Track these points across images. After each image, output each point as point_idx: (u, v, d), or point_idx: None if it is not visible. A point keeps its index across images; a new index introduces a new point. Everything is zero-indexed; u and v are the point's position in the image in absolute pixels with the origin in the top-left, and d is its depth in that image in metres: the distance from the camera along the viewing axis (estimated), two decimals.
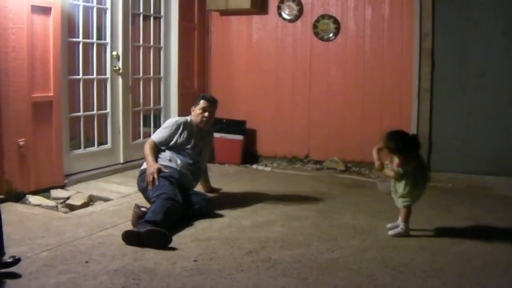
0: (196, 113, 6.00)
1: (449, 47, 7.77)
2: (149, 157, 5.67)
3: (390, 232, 5.09)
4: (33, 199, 5.90)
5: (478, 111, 7.70)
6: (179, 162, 5.78)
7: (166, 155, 5.81)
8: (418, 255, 4.59)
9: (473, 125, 7.73)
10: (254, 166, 8.42)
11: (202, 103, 5.99)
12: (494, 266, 4.39)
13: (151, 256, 4.39)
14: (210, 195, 6.21)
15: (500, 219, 5.75)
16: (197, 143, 5.95)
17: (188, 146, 5.88)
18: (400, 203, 5.11)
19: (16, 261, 3.94)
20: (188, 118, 6.05)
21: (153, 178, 5.43)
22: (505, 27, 7.52)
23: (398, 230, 5.07)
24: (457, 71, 7.77)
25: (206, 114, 5.98)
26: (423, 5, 7.76)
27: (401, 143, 4.97)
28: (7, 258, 3.92)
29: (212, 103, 6.07)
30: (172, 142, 5.84)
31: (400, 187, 5.07)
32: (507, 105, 7.56)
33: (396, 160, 5.04)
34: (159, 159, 5.73)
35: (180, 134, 5.87)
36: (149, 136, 7.77)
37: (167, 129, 5.91)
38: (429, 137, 7.85)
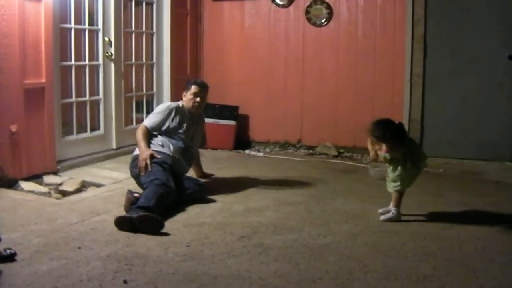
0: (187, 98, 6.00)
1: (442, 33, 7.79)
2: (142, 143, 5.67)
3: (382, 217, 5.11)
4: (25, 185, 5.89)
5: (470, 97, 7.74)
6: (171, 147, 5.78)
7: (158, 140, 5.82)
8: (410, 240, 4.62)
9: (465, 110, 7.78)
10: (247, 151, 8.43)
11: (193, 88, 5.99)
12: (484, 250, 4.42)
13: (143, 241, 4.40)
14: (202, 180, 6.22)
15: (491, 204, 5.77)
16: (189, 128, 5.96)
17: (180, 131, 5.89)
18: (391, 187, 5.15)
19: (12, 255, 3.94)
20: (180, 103, 6.06)
21: (146, 164, 5.44)
22: (497, 14, 7.55)
23: (390, 215, 5.10)
24: (449, 57, 7.80)
25: (198, 99, 5.98)
26: None
27: (387, 131, 5.00)
28: (2, 250, 3.93)
29: (203, 88, 6.07)
30: (164, 127, 5.85)
31: (391, 172, 5.12)
32: (499, 91, 7.60)
33: (384, 146, 5.07)
34: (151, 145, 5.74)
35: (172, 119, 5.88)
36: (142, 121, 7.78)
37: (159, 114, 5.91)
38: (421, 123, 7.90)
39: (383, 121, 5.08)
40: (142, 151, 5.60)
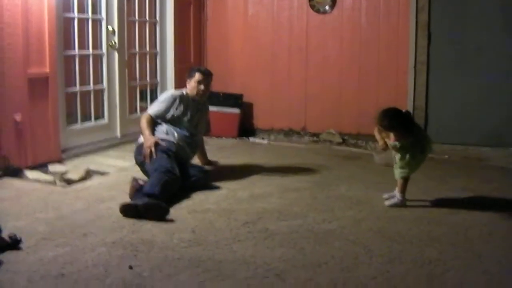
0: (191, 86, 6.00)
1: (446, 20, 7.77)
2: (146, 131, 5.68)
3: (387, 203, 5.13)
4: (30, 174, 5.89)
5: (474, 84, 7.72)
6: (176, 134, 5.79)
7: (163, 128, 5.82)
8: (415, 225, 4.63)
9: (469, 97, 7.76)
10: (251, 139, 8.44)
11: (197, 76, 5.99)
12: (489, 236, 4.43)
13: (149, 228, 4.42)
14: (207, 167, 6.23)
15: (496, 189, 5.78)
16: (193, 115, 5.96)
17: (185, 119, 5.89)
18: (398, 174, 5.15)
19: (16, 242, 3.94)
20: (184, 91, 6.06)
21: (151, 152, 5.45)
22: (503, 2, 7.50)
23: (395, 200, 5.11)
24: (454, 44, 7.78)
25: (202, 86, 5.99)
26: None
27: (394, 121, 5.00)
28: (6, 237, 3.94)
29: (207, 76, 6.07)
30: (169, 116, 5.85)
31: (399, 159, 5.12)
32: (503, 78, 7.59)
33: (392, 135, 5.06)
34: (155, 132, 5.74)
35: (176, 107, 5.88)
36: (146, 110, 7.80)
37: (163, 102, 5.91)
38: (426, 110, 7.88)
39: (390, 110, 5.08)
40: (146, 139, 5.60)
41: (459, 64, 7.77)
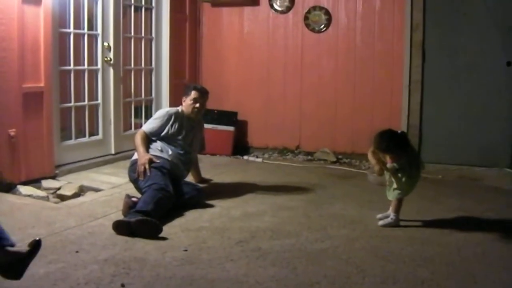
0: (187, 104, 6.00)
1: (440, 39, 7.81)
2: (140, 148, 5.67)
3: (380, 223, 5.11)
4: (23, 189, 5.89)
5: (469, 103, 7.74)
6: (170, 152, 5.78)
7: (157, 145, 5.81)
8: (408, 245, 4.62)
9: (464, 116, 7.78)
10: (245, 157, 8.44)
11: (193, 94, 6.00)
12: (483, 256, 4.42)
13: (141, 245, 4.40)
14: (201, 185, 6.22)
15: (490, 210, 5.78)
16: (188, 133, 5.96)
17: (179, 137, 5.89)
18: (394, 195, 5.13)
19: (36, 246, 3.55)
20: (179, 108, 6.06)
21: (145, 169, 5.44)
22: (496, 21, 7.55)
23: (388, 220, 5.10)
24: (448, 63, 7.81)
25: (198, 105, 5.99)
26: None
27: (391, 143, 5.01)
28: (24, 247, 3.56)
29: (203, 94, 6.08)
30: (163, 133, 5.84)
31: (396, 180, 5.10)
32: (498, 97, 7.61)
33: (388, 158, 5.06)
34: (150, 150, 5.73)
35: (172, 124, 5.87)
36: (141, 127, 7.78)
37: (158, 119, 5.91)
38: (420, 129, 7.90)
39: (386, 133, 5.09)
40: (141, 156, 5.59)
41: (454, 83, 7.80)
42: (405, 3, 7.84)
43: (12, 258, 3.41)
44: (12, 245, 3.48)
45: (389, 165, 5.05)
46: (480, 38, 7.64)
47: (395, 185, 5.12)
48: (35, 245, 3.50)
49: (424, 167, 5.38)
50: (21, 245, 3.66)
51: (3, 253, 3.40)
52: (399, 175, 5.07)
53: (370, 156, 5.16)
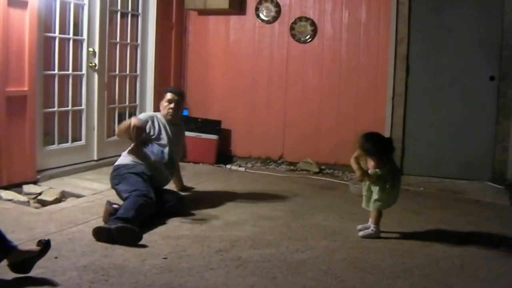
0: (163, 106, 6.01)
1: (424, 52, 7.89)
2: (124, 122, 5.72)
3: (361, 233, 5.12)
4: (4, 194, 5.85)
5: (451, 117, 7.81)
6: (153, 157, 5.77)
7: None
8: (388, 256, 4.63)
9: (446, 130, 7.84)
10: (228, 166, 8.43)
11: (168, 95, 6.01)
12: (462, 268, 4.44)
13: (121, 252, 4.39)
14: (183, 193, 6.20)
15: (470, 222, 5.80)
16: (169, 137, 5.92)
17: (161, 141, 5.85)
18: (374, 206, 5.11)
19: (46, 245, 3.90)
20: (158, 113, 6.05)
21: (134, 127, 5.42)
22: (479, 35, 7.65)
23: (369, 231, 5.11)
24: (432, 77, 7.88)
25: (172, 105, 5.97)
26: (399, 11, 7.86)
27: (378, 145, 5.02)
28: (35, 248, 3.90)
29: (178, 95, 6.07)
30: (146, 133, 5.81)
31: (376, 190, 5.08)
32: (480, 111, 7.68)
33: (371, 162, 5.07)
34: (130, 156, 5.73)
35: (153, 125, 5.85)
36: None
37: (142, 117, 5.89)
38: (402, 141, 7.95)
39: (373, 134, 5.10)
40: (125, 122, 5.64)
41: (437, 97, 7.87)
42: (391, 17, 7.90)
43: (25, 256, 3.75)
44: (16, 246, 3.77)
45: (371, 170, 5.05)
46: (463, 52, 7.72)
47: (376, 196, 5.09)
48: (46, 245, 3.86)
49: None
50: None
51: (15, 253, 3.71)
52: (380, 184, 5.05)
53: (352, 161, 5.11)
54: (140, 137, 5.59)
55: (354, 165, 5.12)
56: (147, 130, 5.80)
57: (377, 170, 5.01)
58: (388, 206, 5.16)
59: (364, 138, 5.06)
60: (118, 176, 5.55)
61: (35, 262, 3.78)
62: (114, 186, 5.63)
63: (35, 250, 3.81)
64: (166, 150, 5.88)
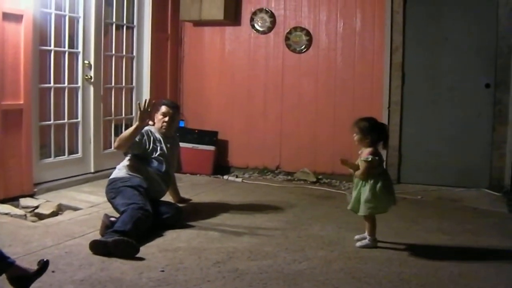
0: (157, 119, 6.00)
1: (420, 61, 7.90)
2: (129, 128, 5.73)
3: (358, 244, 5.11)
4: (1, 207, 5.85)
5: (448, 124, 7.82)
6: (149, 169, 5.77)
7: (133, 163, 5.80)
8: (385, 266, 4.62)
9: (443, 137, 7.85)
10: (225, 177, 8.41)
11: (162, 108, 6.02)
12: (459, 277, 4.43)
13: (118, 265, 4.38)
14: (180, 205, 6.20)
15: (468, 230, 5.80)
16: (164, 150, 5.91)
17: (156, 154, 5.84)
18: (364, 209, 5.04)
19: (44, 266, 3.86)
20: (152, 127, 6.03)
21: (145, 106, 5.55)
22: (475, 43, 7.66)
23: (366, 241, 5.09)
24: (427, 85, 7.90)
25: (167, 118, 5.97)
26: (394, 19, 7.87)
27: (372, 122, 5.07)
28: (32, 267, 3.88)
29: (172, 108, 6.06)
30: (142, 146, 5.82)
31: (366, 190, 5.03)
32: (476, 119, 7.68)
33: (365, 151, 5.04)
34: (126, 168, 5.73)
35: (149, 139, 5.85)
36: None
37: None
38: (399, 150, 7.95)
39: (370, 117, 5.16)
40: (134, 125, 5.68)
41: (433, 105, 7.88)
42: (385, 25, 7.92)
43: (21, 273, 3.72)
44: (13, 262, 3.75)
45: (363, 157, 5.01)
46: (459, 60, 7.74)
47: (365, 196, 5.02)
48: (43, 265, 3.82)
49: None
50: None
51: (13, 268, 3.69)
52: (369, 184, 4.99)
53: (343, 163, 5.13)
54: (147, 117, 5.64)
55: (346, 165, 5.13)
56: (143, 144, 5.80)
57: (369, 156, 4.97)
58: (379, 211, 5.08)
59: (362, 118, 5.12)
60: (114, 190, 5.53)
61: (32, 281, 3.76)
62: (110, 199, 5.61)
63: (31, 270, 3.77)
64: (162, 163, 5.87)
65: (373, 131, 5.03)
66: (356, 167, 5.07)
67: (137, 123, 5.60)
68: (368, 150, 5.03)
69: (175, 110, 6.11)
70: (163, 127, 5.97)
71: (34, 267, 3.82)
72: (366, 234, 5.13)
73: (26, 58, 6.22)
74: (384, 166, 5.45)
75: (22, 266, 3.76)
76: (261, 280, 4.20)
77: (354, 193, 5.16)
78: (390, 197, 5.15)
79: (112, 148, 5.80)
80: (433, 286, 4.25)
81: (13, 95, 6.15)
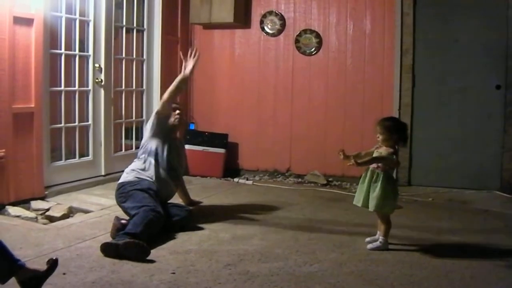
0: (173, 116, 6.06)
1: (430, 63, 7.88)
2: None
3: (369, 246, 5.10)
4: (12, 210, 5.87)
5: (458, 126, 7.80)
6: (159, 167, 5.78)
7: (140, 163, 5.82)
8: (396, 268, 4.61)
9: (454, 139, 7.82)
10: (236, 179, 8.42)
11: (174, 106, 6.11)
12: (471, 279, 4.41)
13: (129, 268, 4.38)
14: (190, 207, 6.20)
15: (479, 233, 5.78)
16: (171, 150, 5.92)
17: (165, 153, 5.84)
18: (374, 205, 5.02)
19: (53, 265, 3.86)
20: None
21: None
22: (484, 44, 7.64)
23: (377, 244, 5.08)
24: (438, 87, 7.88)
25: (178, 111, 6.07)
26: (404, 21, 7.86)
27: (399, 125, 5.14)
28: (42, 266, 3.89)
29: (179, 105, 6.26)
30: (162, 128, 5.91)
31: (377, 187, 5.01)
32: (487, 120, 7.66)
33: (386, 150, 5.03)
34: (133, 171, 5.76)
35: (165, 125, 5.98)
36: (131, 148, 7.82)
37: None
38: (410, 152, 7.93)
39: (393, 117, 5.38)
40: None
41: (443, 107, 7.86)
42: (395, 27, 7.91)
43: (31, 274, 3.70)
44: (23, 265, 3.75)
45: (383, 152, 5.02)
46: (469, 61, 7.72)
47: (377, 191, 5.00)
48: (53, 264, 3.81)
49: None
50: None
51: (23, 271, 3.67)
52: (381, 181, 4.97)
53: (343, 158, 5.17)
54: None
55: (364, 160, 5.07)
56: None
57: (391, 150, 5.00)
58: (386, 207, 5.05)
59: (385, 118, 5.20)
60: (124, 194, 5.55)
61: (43, 281, 3.75)
62: (120, 204, 5.61)
63: (41, 270, 3.78)
64: (171, 162, 5.88)
65: (397, 131, 5.05)
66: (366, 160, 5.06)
67: (181, 73, 5.92)
68: (389, 150, 5.02)
69: (183, 113, 6.16)
70: (176, 119, 6.02)
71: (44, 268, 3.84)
72: (378, 235, 5.13)
73: (37, 61, 6.24)
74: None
75: (31, 268, 3.76)
76: (272, 283, 4.20)
77: (364, 188, 5.12)
78: (397, 197, 5.18)
79: (161, 101, 5.85)
80: None
81: (24, 99, 6.17)
